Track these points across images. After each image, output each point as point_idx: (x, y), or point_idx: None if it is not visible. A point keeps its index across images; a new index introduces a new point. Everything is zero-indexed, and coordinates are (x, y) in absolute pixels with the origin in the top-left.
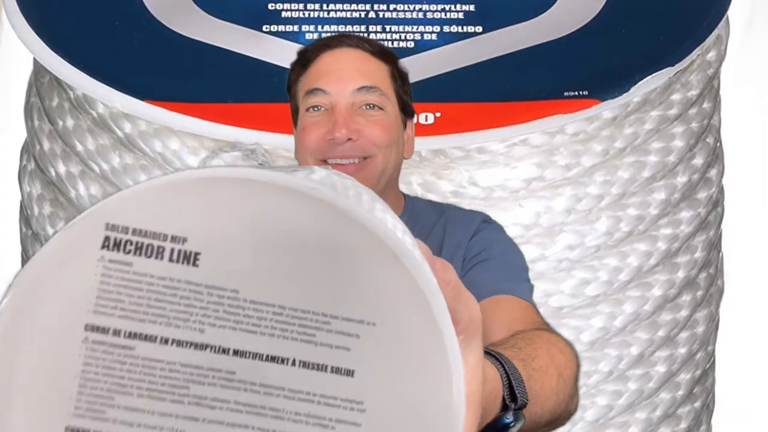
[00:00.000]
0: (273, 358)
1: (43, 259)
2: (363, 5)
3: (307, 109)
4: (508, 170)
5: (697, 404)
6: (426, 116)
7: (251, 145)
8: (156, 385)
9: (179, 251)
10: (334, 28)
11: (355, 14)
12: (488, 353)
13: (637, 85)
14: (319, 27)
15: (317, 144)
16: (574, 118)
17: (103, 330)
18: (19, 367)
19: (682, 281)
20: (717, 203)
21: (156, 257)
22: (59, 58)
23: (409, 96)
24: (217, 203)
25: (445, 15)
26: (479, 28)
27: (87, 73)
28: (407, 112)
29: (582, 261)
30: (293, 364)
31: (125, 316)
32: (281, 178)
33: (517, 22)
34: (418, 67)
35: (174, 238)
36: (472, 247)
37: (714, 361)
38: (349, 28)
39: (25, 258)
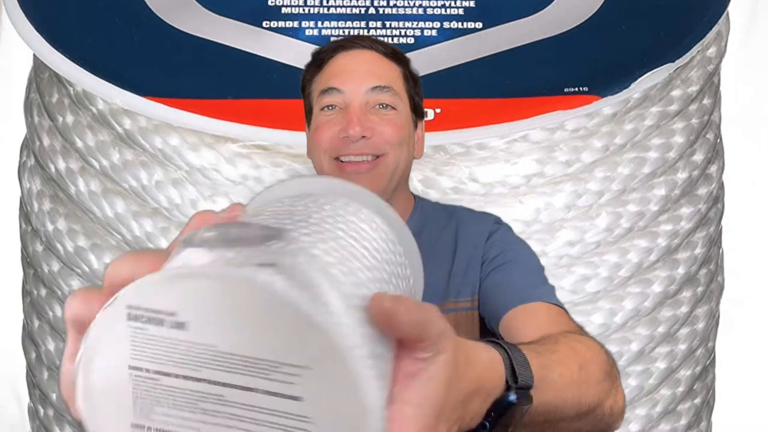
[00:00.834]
0: (245, 388)
1: (98, 323)
2: (363, 1)
3: (322, 108)
4: (509, 166)
5: (698, 400)
6: (426, 112)
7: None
8: (177, 401)
9: (173, 321)
10: (333, 24)
11: (355, 10)
12: (491, 342)
13: (637, 82)
14: (319, 23)
15: (331, 142)
16: (574, 114)
17: (139, 369)
18: (96, 391)
19: (683, 277)
20: (717, 199)
21: (158, 325)
22: (59, 54)
23: (420, 97)
24: (197, 288)
25: (445, 11)
26: (479, 25)
27: (87, 69)
28: (418, 113)
29: (582, 257)
30: (258, 391)
31: (150, 360)
32: (233, 273)
33: (518, 18)
34: (418, 63)
35: (168, 313)
36: (490, 250)
37: (714, 357)
38: (348, 24)
39: (25, 254)
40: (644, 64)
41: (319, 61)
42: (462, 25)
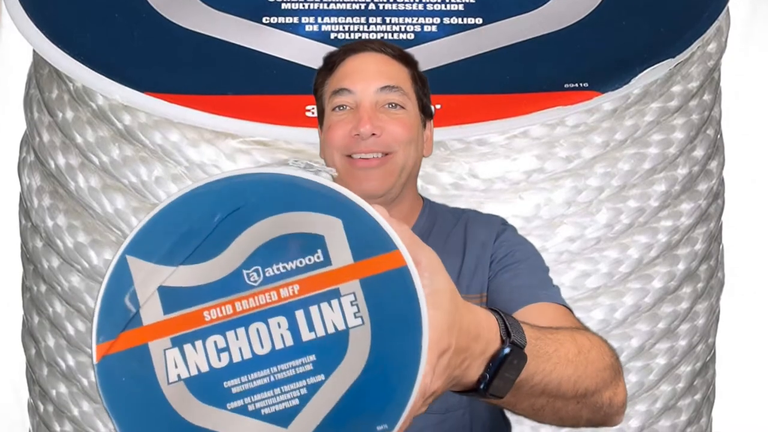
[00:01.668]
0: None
1: None
2: None
3: (334, 109)
4: (509, 162)
5: (698, 396)
6: None
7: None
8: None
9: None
10: (333, 19)
11: (355, 6)
12: (486, 307)
13: (637, 77)
14: (319, 19)
15: (343, 140)
16: (575, 110)
17: None
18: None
19: (683, 273)
20: (717, 195)
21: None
22: (59, 49)
23: (428, 98)
24: None
25: (446, 6)
26: (479, 20)
27: (86, 65)
28: (427, 113)
29: (582, 253)
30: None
31: None
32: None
33: (518, 13)
34: (419, 59)
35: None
36: (498, 250)
37: (714, 353)
38: (349, 19)
39: (25, 250)
40: (644, 59)
41: (330, 65)
42: (462, 20)
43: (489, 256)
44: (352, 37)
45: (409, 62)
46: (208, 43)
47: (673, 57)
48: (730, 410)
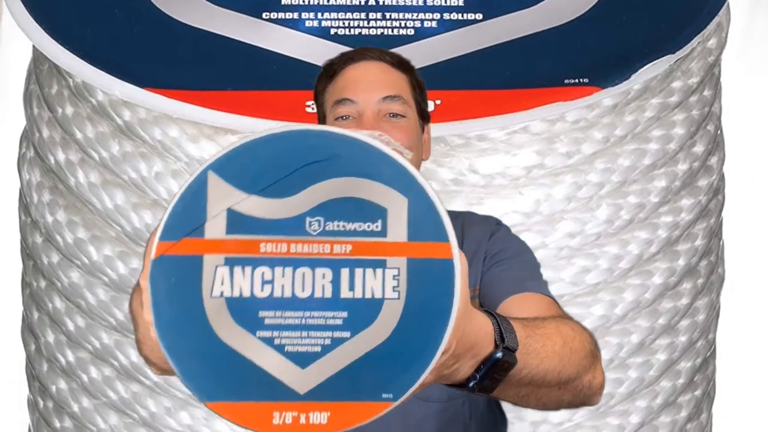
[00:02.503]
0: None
1: None
2: None
3: (336, 118)
4: (509, 158)
5: (698, 392)
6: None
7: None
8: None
9: None
10: (333, 15)
11: (355, 1)
12: (483, 311)
13: (637, 73)
14: (319, 14)
15: None
16: (575, 106)
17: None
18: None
19: (683, 269)
20: (718, 191)
21: None
22: (58, 45)
23: (426, 103)
24: None
25: (445, 2)
26: (479, 16)
27: (86, 61)
28: (424, 117)
29: (582, 249)
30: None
31: None
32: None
33: (518, 9)
34: (418, 55)
35: None
36: (492, 246)
37: (714, 349)
38: (348, 15)
39: (25, 246)
40: (645, 55)
41: (331, 72)
42: (462, 16)
43: (483, 251)
44: (352, 32)
45: (407, 69)
46: (207, 38)
47: (674, 53)
48: (731, 406)
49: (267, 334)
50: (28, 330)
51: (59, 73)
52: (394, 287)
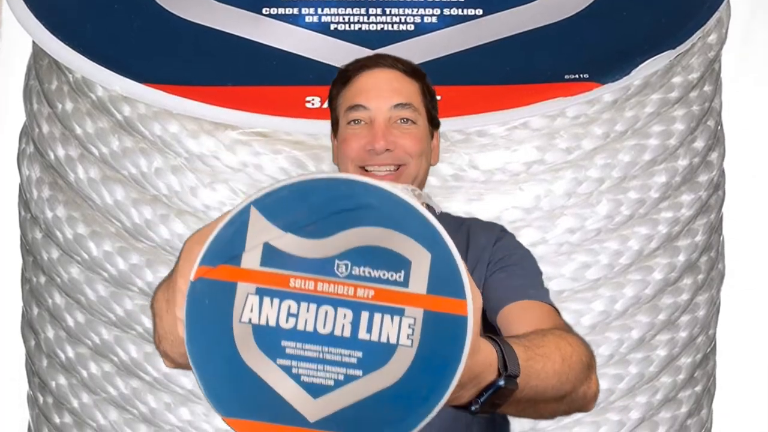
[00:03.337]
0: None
1: None
2: None
3: (349, 123)
4: (509, 153)
5: (698, 388)
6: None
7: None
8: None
9: None
10: (333, 11)
11: None
12: (488, 338)
13: (637, 68)
14: (319, 10)
15: (358, 153)
16: (575, 101)
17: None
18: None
19: (683, 265)
20: (718, 186)
21: None
22: (58, 40)
23: (436, 109)
24: None
25: None
26: (479, 11)
27: (86, 56)
28: (434, 124)
29: (582, 244)
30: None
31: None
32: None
33: (518, 4)
34: (418, 50)
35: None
36: (496, 252)
37: (715, 345)
38: (349, 11)
39: (25, 241)
40: (645, 50)
41: (345, 78)
42: (462, 11)
43: (487, 257)
44: (352, 28)
45: (419, 76)
46: (207, 34)
47: (674, 48)
48: (731, 402)
49: (286, 362)
50: (28, 326)
51: (59, 69)
52: (408, 335)
